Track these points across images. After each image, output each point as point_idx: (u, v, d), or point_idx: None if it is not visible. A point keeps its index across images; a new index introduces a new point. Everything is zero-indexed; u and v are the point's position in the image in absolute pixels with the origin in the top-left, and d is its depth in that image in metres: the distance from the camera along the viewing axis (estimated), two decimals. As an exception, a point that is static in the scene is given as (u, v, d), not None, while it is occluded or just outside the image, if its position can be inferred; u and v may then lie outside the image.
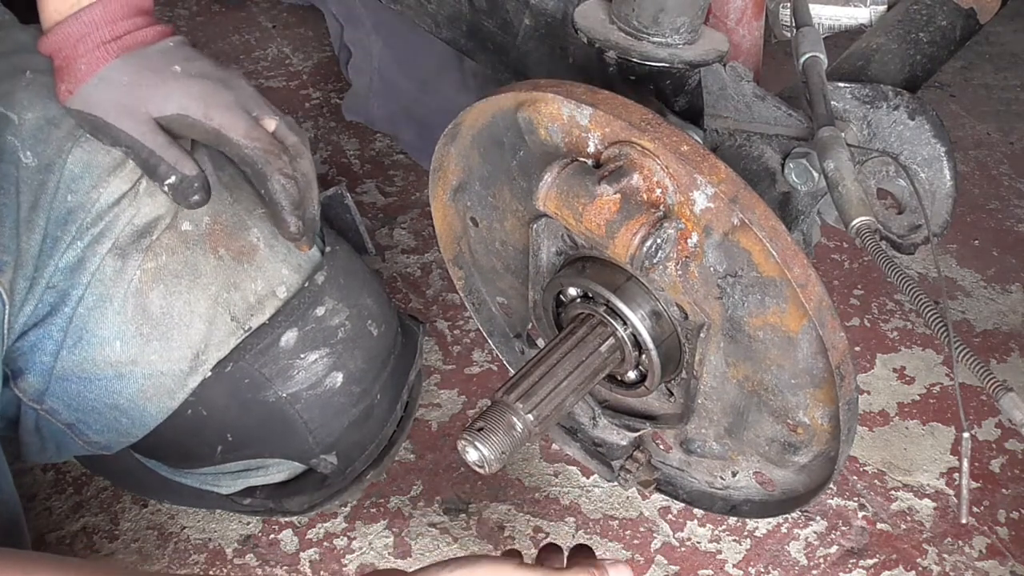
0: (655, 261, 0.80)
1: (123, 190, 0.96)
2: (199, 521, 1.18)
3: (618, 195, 0.80)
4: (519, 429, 0.83)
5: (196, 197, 0.95)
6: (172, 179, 0.93)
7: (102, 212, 0.95)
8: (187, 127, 0.94)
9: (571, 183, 0.81)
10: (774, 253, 0.77)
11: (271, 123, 0.96)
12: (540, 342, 1.06)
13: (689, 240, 0.81)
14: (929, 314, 0.76)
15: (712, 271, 0.82)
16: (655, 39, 0.94)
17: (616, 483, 1.03)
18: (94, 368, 0.97)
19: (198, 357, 0.99)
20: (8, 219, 0.91)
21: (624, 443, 1.02)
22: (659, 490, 1.03)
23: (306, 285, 1.04)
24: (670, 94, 0.97)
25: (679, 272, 0.83)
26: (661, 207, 0.81)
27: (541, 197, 0.83)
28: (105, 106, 0.93)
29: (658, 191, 0.80)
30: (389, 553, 1.15)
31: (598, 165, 0.83)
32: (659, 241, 0.80)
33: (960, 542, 1.17)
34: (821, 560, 1.15)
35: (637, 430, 0.99)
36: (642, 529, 1.18)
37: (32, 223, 0.92)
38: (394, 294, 1.47)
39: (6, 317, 0.91)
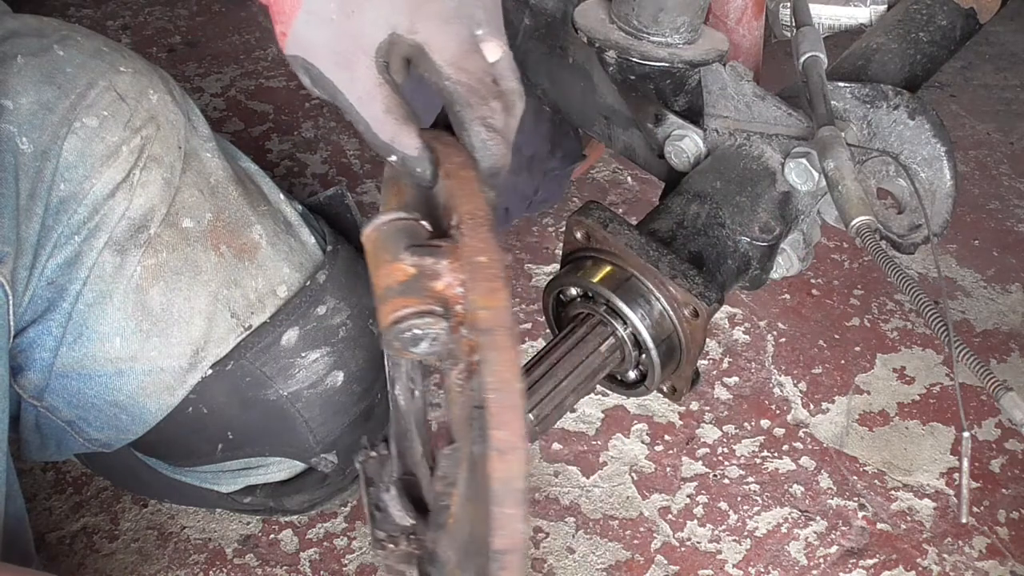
0: (412, 349, 0.72)
1: (116, 180, 0.95)
2: (199, 521, 1.18)
3: (414, 268, 0.73)
4: (519, 429, 0.83)
5: (420, 176, 0.77)
6: (393, 158, 0.77)
7: (97, 205, 0.94)
8: (394, 47, 0.75)
9: (391, 236, 0.75)
10: (492, 410, 0.65)
11: (494, 51, 0.76)
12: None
13: (474, 356, 0.71)
14: (929, 314, 0.76)
15: (473, 395, 0.71)
16: (655, 39, 0.94)
17: (368, 551, 0.90)
18: (94, 365, 0.97)
19: (198, 354, 0.99)
20: (8, 208, 0.89)
21: (403, 524, 0.91)
22: None
23: (307, 284, 1.04)
24: (670, 93, 0.98)
25: (459, 382, 0.74)
26: (450, 306, 0.72)
27: (365, 232, 0.76)
28: (319, 51, 0.75)
29: (459, 290, 0.72)
30: (389, 553, 1.15)
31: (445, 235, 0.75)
32: (417, 332, 0.71)
33: (960, 542, 1.17)
34: (821, 560, 1.15)
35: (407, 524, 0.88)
36: (642, 529, 1.18)
37: (31, 211, 0.91)
38: (394, 294, 1.47)
39: (9, 308, 0.90)
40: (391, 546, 0.90)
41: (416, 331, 0.71)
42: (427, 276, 0.72)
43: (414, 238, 0.75)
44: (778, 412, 1.32)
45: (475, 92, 0.74)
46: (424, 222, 0.76)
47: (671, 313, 0.88)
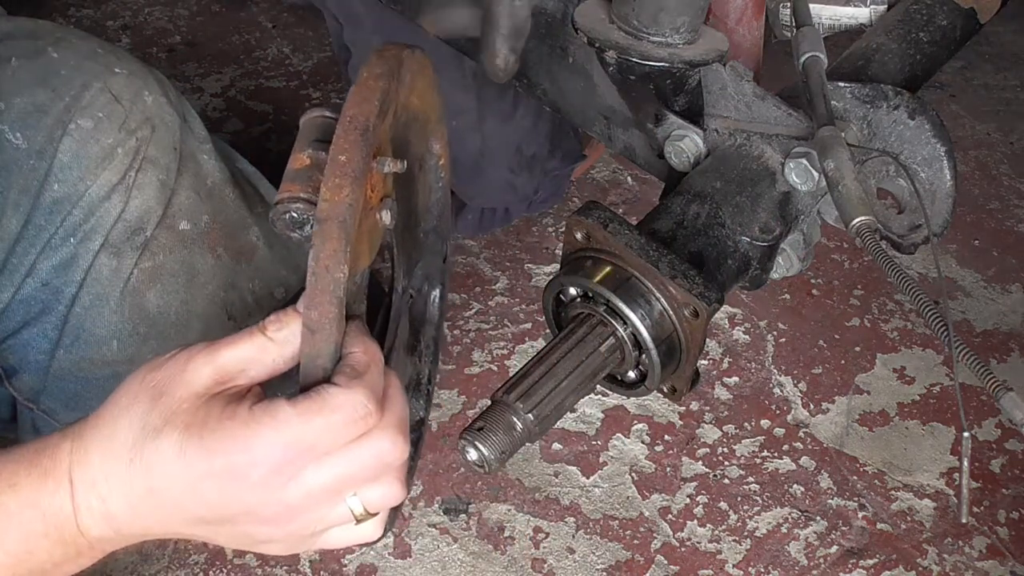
0: (293, 232, 0.78)
1: (112, 182, 0.94)
2: (199, 521, 1.18)
3: (308, 160, 0.79)
4: (519, 429, 0.83)
5: None
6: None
7: (92, 207, 0.94)
8: None
9: (308, 128, 0.81)
10: (308, 292, 0.73)
11: None
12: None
13: None
14: (929, 314, 0.76)
15: None
16: (655, 39, 0.94)
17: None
18: (91, 367, 0.97)
19: (195, 357, 0.99)
20: None
21: None
22: None
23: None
24: (670, 94, 0.98)
25: None
26: None
27: (300, 121, 0.83)
28: None
29: None
30: (389, 553, 1.15)
31: None
32: (294, 216, 0.78)
33: (960, 542, 1.17)
34: (821, 560, 1.15)
35: None
36: (642, 529, 1.18)
37: (18, 205, 0.91)
38: (394, 294, 1.47)
39: None
40: None
41: (293, 214, 0.77)
42: (318, 168, 0.78)
43: (323, 134, 0.80)
44: (778, 412, 1.32)
45: None
46: None
47: (671, 313, 0.88)
